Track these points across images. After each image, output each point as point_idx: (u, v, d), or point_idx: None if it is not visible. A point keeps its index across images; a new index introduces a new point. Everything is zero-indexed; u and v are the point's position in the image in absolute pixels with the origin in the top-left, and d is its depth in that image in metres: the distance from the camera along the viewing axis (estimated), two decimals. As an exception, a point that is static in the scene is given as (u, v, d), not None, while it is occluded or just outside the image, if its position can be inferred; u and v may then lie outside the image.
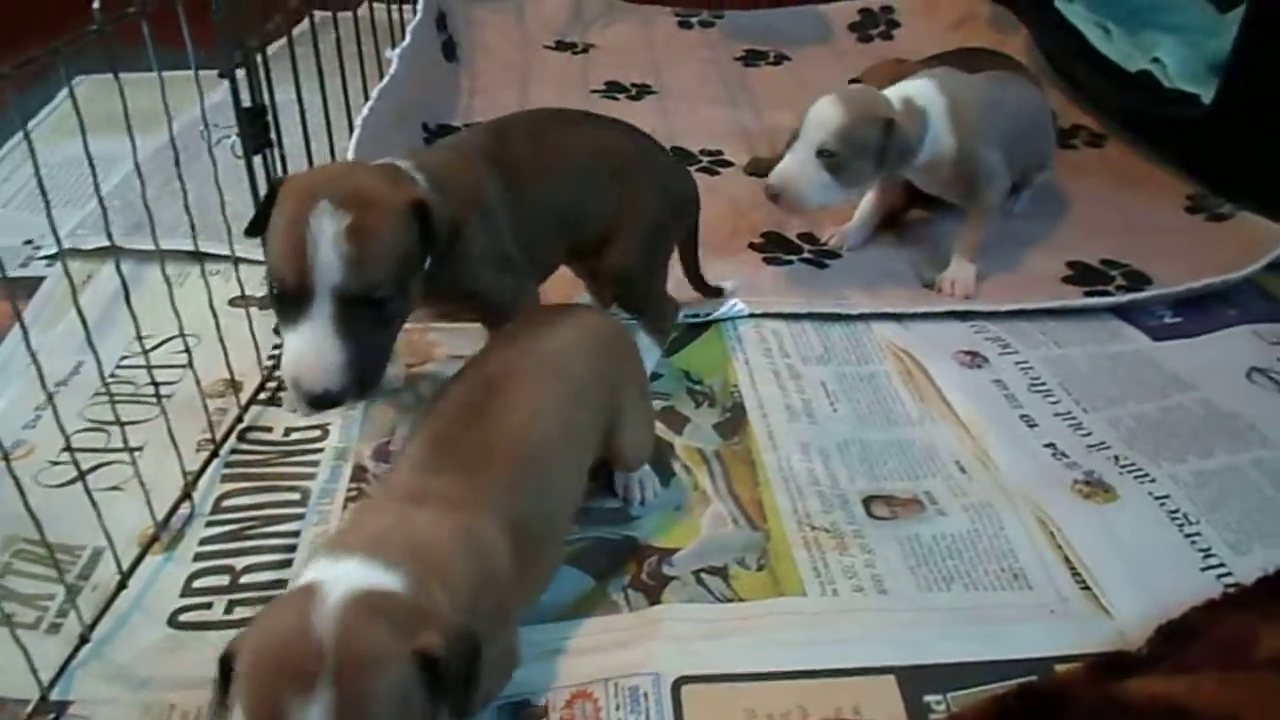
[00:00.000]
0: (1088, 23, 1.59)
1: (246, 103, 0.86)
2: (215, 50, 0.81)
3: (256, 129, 0.86)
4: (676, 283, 1.05)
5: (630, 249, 0.89)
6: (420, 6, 1.47)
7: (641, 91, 1.55)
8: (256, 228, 0.71)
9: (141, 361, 0.80)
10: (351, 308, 0.66)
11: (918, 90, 1.06)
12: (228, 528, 0.78)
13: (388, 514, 0.58)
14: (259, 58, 0.84)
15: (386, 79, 1.23)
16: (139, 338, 0.75)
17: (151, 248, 0.78)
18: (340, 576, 0.49)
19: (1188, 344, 1.01)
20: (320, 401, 0.67)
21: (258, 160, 0.88)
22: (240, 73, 0.85)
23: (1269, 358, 0.98)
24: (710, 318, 1.01)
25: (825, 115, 1.01)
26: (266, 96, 0.87)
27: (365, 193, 0.68)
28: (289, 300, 0.67)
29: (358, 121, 1.12)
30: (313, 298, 0.66)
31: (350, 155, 1.06)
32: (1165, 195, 1.29)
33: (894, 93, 1.05)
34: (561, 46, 1.75)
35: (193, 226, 0.80)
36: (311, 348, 0.66)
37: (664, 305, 0.95)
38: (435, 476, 0.60)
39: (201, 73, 0.78)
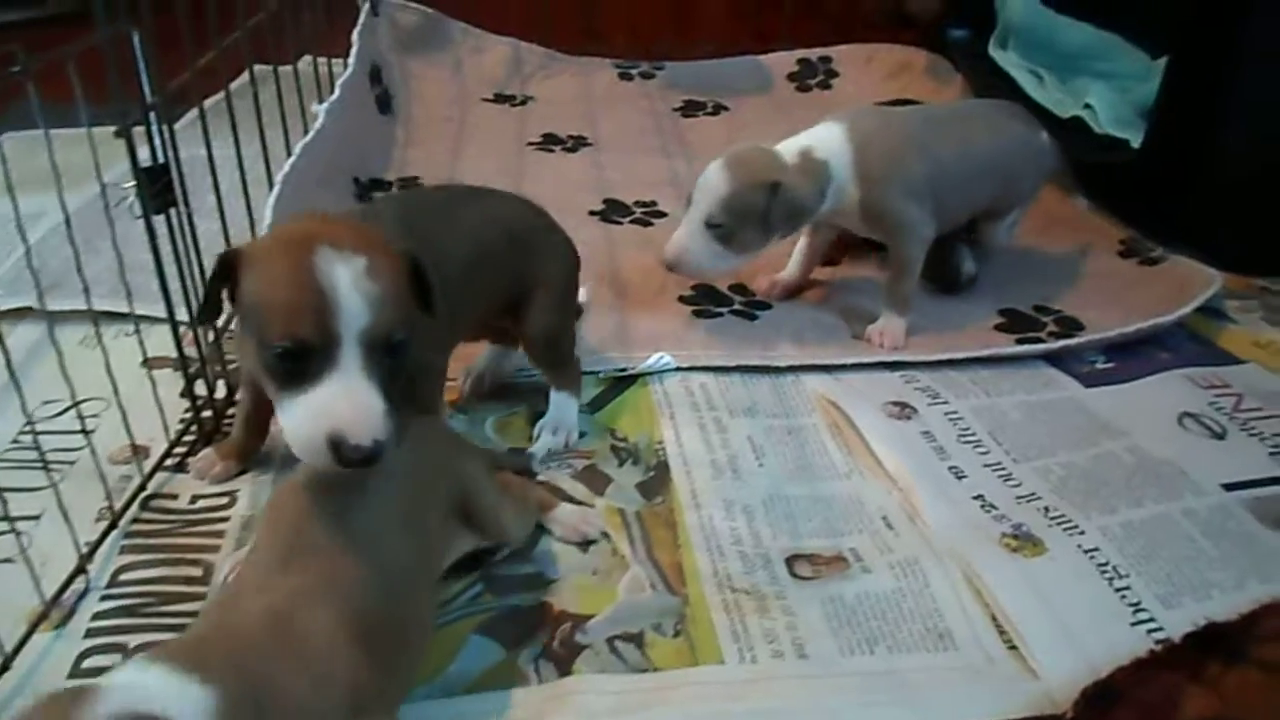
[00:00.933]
0: (1021, 70, 1.60)
1: (146, 161, 0.83)
2: (109, 106, 0.78)
3: (158, 188, 0.84)
4: (602, 339, 1.03)
5: (548, 310, 0.89)
6: (352, 60, 1.46)
7: (577, 143, 1.54)
8: (209, 313, 0.66)
9: (50, 426, 0.76)
10: (376, 354, 0.62)
11: (821, 139, 1.02)
12: (123, 603, 0.75)
13: (218, 614, 0.55)
14: (154, 115, 0.82)
15: (311, 134, 1.21)
16: (30, 406, 0.71)
17: (65, 308, 0.75)
18: (122, 687, 0.45)
19: (1119, 390, 1.00)
20: (370, 456, 0.61)
21: (162, 221, 0.85)
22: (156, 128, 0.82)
23: (1200, 402, 0.97)
24: (636, 371, 0.99)
25: (711, 184, 0.98)
26: (172, 153, 0.85)
27: (361, 238, 0.64)
28: (306, 357, 0.61)
29: (278, 177, 1.09)
30: (338, 347, 0.61)
31: (268, 213, 1.03)
32: (1099, 240, 1.29)
33: (795, 143, 1.02)
34: (500, 99, 1.75)
35: (86, 289, 0.77)
36: (351, 397, 0.61)
37: (574, 359, 0.94)
38: (282, 574, 0.57)
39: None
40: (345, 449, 0.60)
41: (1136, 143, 1.29)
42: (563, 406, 0.91)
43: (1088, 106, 1.43)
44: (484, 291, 0.85)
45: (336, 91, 1.34)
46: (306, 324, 0.60)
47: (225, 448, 0.87)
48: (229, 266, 0.64)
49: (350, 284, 0.61)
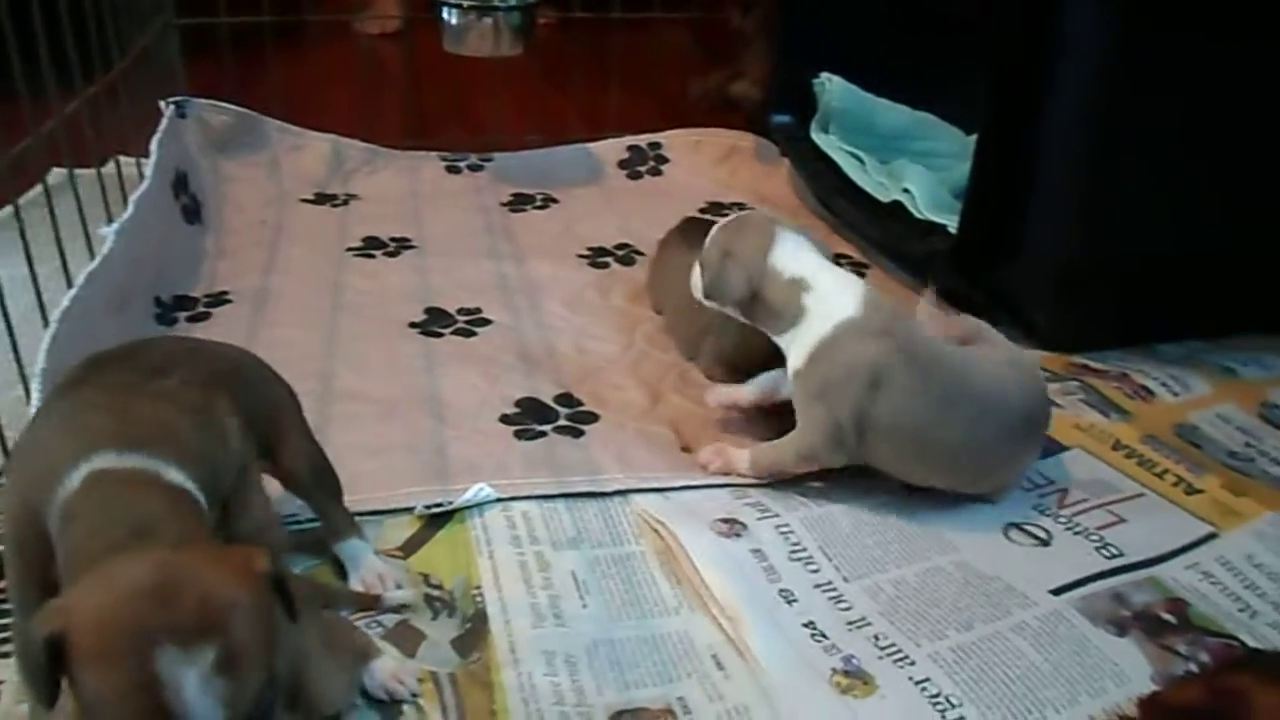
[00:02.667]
0: (841, 153, 1.62)
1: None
2: None
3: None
4: (417, 471, 0.97)
5: (301, 439, 0.84)
6: (149, 172, 1.37)
7: (400, 247, 1.49)
8: (48, 698, 0.54)
9: None
10: None
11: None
12: None
13: None
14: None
15: (97, 260, 1.12)
16: None
17: None
18: None
19: (946, 497, 0.99)
20: None
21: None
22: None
23: (1025, 507, 0.97)
24: (454, 506, 0.93)
25: None
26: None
27: (208, 601, 0.52)
28: None
29: (54, 315, 1.00)
30: None
31: (41, 356, 0.94)
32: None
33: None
34: (321, 198, 1.68)
35: None
36: None
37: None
38: None
39: None
40: None
41: (954, 228, 1.31)
42: (362, 554, 0.85)
43: (906, 191, 1.45)
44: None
45: (129, 208, 1.25)
46: None
47: None
48: (57, 649, 0.52)
49: (198, 689, 0.50)
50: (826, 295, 0.94)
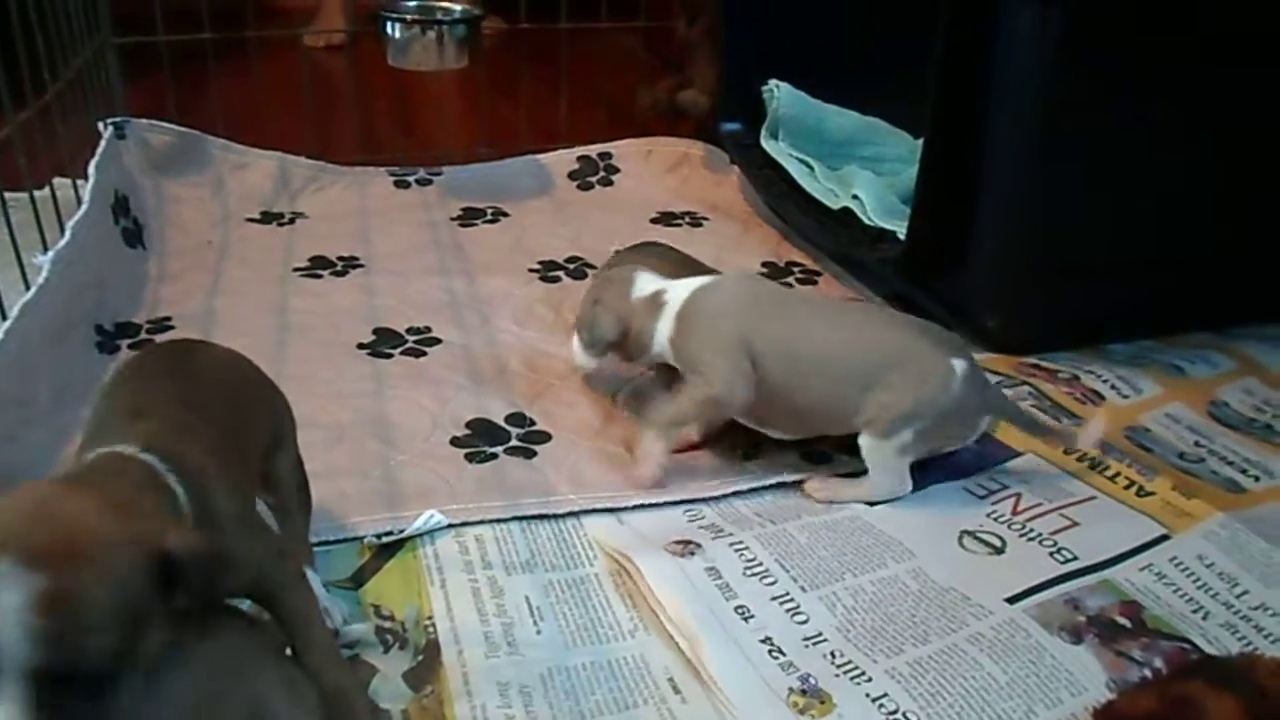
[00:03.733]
0: (791, 160, 1.62)
1: None
2: None
3: None
4: (366, 498, 0.96)
5: (295, 448, 0.85)
6: (86, 197, 1.34)
7: (347, 266, 1.47)
8: None
9: None
10: (52, 690, 0.50)
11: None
12: None
13: None
14: None
15: (32, 291, 1.09)
16: None
17: None
18: None
19: (902, 503, 0.99)
20: None
21: None
22: None
23: (979, 515, 0.97)
24: (404, 535, 0.92)
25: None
26: None
27: (73, 537, 0.51)
28: None
29: (-13, 348, 0.98)
30: None
31: (-27, 391, 0.92)
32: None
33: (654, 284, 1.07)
34: (267, 218, 1.65)
35: None
36: None
37: None
38: None
39: None
40: None
41: (903, 234, 1.31)
42: (314, 587, 0.83)
43: (855, 198, 1.45)
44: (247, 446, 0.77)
45: (66, 234, 1.23)
46: None
47: None
48: None
49: (9, 613, 0.48)
50: (680, 285, 1.04)
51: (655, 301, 1.04)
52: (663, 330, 1.03)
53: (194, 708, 0.58)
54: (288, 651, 0.69)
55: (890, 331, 0.98)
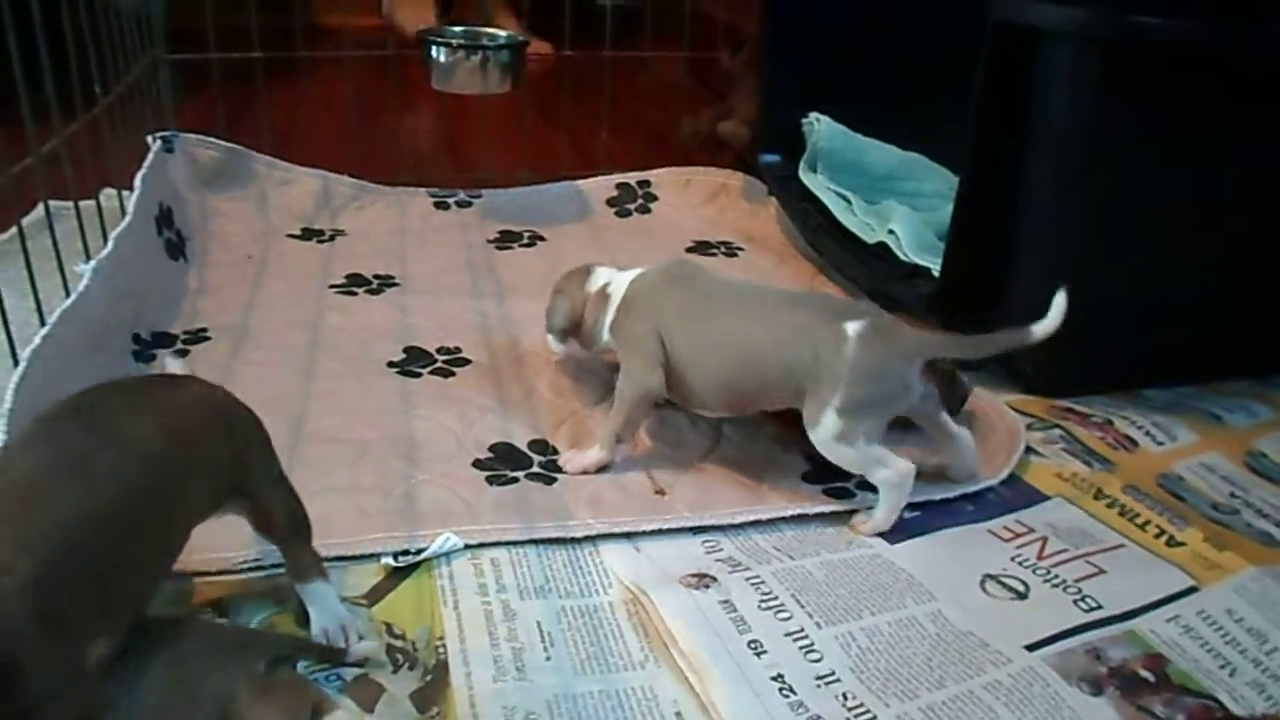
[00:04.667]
0: (828, 193, 1.62)
1: None
2: None
3: None
4: (386, 516, 0.96)
5: (274, 483, 0.81)
6: (131, 207, 1.37)
7: (383, 284, 1.48)
8: None
9: None
10: None
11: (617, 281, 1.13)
12: None
13: None
14: None
15: (71, 299, 1.11)
16: None
17: None
18: None
19: (925, 543, 0.97)
20: None
21: None
22: None
23: (1003, 559, 0.95)
24: (421, 557, 0.92)
25: None
26: None
27: None
28: None
29: (24, 353, 0.99)
30: None
31: (9, 396, 0.93)
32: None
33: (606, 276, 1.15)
34: (307, 234, 1.67)
35: None
36: None
37: None
38: None
39: None
40: None
41: (938, 270, 1.30)
42: (326, 598, 0.83)
43: (891, 233, 1.44)
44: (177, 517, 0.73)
45: (109, 245, 1.25)
46: None
47: None
48: None
49: None
50: (623, 276, 1.12)
51: (604, 293, 1.11)
52: (605, 321, 1.10)
53: (162, 707, 0.59)
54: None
55: (788, 311, 0.99)
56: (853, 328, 0.94)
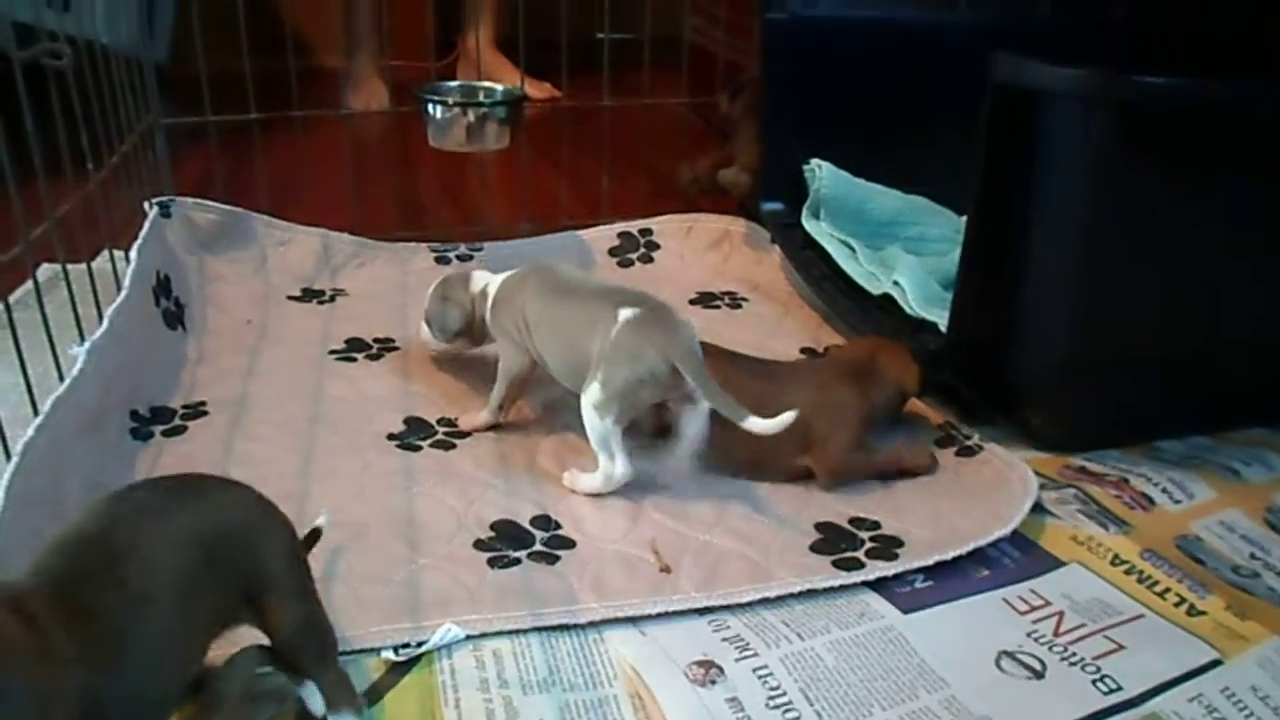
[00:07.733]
0: (833, 241, 1.60)
1: None
2: None
3: None
4: (386, 606, 0.94)
5: (293, 596, 0.76)
6: (127, 281, 1.35)
7: (382, 349, 1.47)
8: None
9: None
10: None
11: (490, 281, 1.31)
12: None
13: None
14: None
15: (65, 384, 1.09)
16: None
17: None
18: None
19: (938, 615, 0.95)
20: None
21: None
22: None
23: (1019, 634, 0.93)
24: (421, 650, 0.90)
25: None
26: None
27: None
28: None
29: (16, 447, 0.98)
30: None
31: (0, 494, 0.92)
32: (917, 426, 1.26)
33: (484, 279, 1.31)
34: (307, 295, 1.66)
35: None
36: None
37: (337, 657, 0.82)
38: None
39: None
40: None
41: (944, 325, 1.28)
42: None
43: (897, 284, 1.42)
44: (197, 629, 0.71)
45: (104, 323, 1.24)
46: None
47: None
48: None
49: None
50: (496, 278, 1.28)
51: (484, 293, 1.27)
52: (486, 317, 1.25)
53: None
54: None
55: (595, 300, 1.13)
56: (624, 314, 1.08)
